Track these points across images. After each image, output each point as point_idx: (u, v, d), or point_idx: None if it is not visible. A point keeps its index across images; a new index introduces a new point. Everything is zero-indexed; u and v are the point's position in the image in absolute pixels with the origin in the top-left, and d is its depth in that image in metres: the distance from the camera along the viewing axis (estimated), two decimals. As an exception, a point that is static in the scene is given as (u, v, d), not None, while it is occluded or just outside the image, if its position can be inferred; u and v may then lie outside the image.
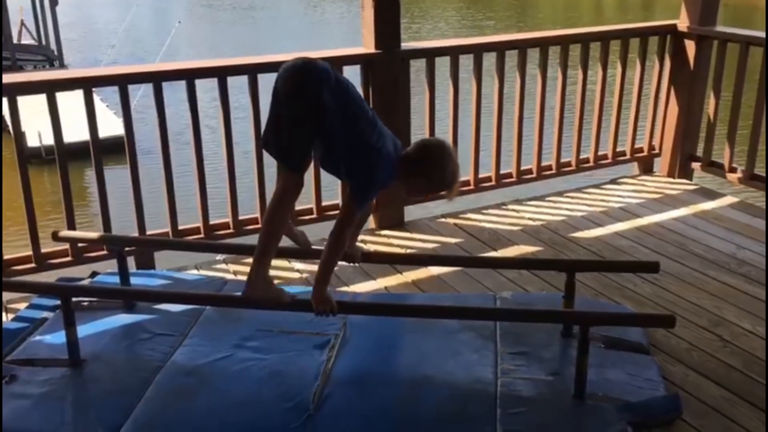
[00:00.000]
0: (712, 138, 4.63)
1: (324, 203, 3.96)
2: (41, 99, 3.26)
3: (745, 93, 4.34)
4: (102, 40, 20.20)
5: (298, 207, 3.87)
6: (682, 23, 4.57)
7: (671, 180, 4.79)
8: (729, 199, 4.47)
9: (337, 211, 3.93)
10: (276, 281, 3.48)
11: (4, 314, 3.19)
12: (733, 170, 4.55)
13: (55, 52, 18.20)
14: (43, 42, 18.61)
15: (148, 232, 3.62)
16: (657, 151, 4.90)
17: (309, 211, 3.96)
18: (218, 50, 18.87)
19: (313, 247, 3.58)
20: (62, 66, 17.72)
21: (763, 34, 4.21)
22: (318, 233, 3.74)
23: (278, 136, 2.42)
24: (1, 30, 16.47)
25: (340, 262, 3.24)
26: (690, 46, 4.55)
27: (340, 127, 2.40)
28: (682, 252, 3.78)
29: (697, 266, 3.62)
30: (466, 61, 4.10)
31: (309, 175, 3.76)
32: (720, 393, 2.66)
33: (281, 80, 2.39)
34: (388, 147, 2.49)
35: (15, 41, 18.47)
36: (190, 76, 3.52)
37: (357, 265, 3.26)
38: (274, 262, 3.63)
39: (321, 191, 3.90)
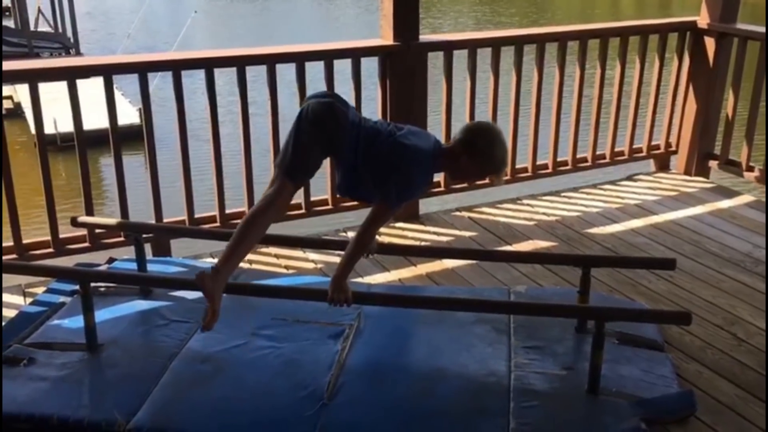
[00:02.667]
0: (729, 136, 4.60)
1: (313, 198, 3.94)
2: (55, 86, 3.28)
3: (764, 91, 4.31)
4: (118, 29, 20.25)
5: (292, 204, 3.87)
6: (702, 20, 4.54)
7: (688, 178, 4.77)
8: (746, 198, 4.45)
9: (326, 207, 3.96)
10: (290, 271, 3.52)
11: (23, 298, 3.23)
12: (750, 169, 4.53)
13: (71, 40, 18.29)
14: (60, 30, 18.70)
15: (165, 220, 3.65)
16: (674, 148, 4.87)
17: (298, 206, 3.94)
18: (234, 40, 18.91)
19: (324, 237, 3.60)
20: (78, 54, 17.83)
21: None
22: (308, 228, 3.73)
23: (287, 147, 2.45)
24: (0, 21, 16.58)
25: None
26: (710, 44, 4.52)
27: (364, 134, 2.46)
28: (697, 250, 3.77)
29: (712, 264, 3.61)
30: (484, 55, 4.09)
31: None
32: (734, 391, 2.66)
33: (308, 108, 2.44)
34: (421, 145, 2.48)
35: (32, 28, 18.59)
36: (209, 64, 3.53)
37: (372, 256, 3.28)
38: (289, 252, 3.68)
39: (309, 187, 3.88)
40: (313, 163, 2.50)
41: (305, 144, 2.43)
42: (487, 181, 2.61)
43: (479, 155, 2.46)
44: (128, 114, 11.97)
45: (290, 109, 3.61)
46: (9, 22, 19.30)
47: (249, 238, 2.45)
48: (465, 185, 3.96)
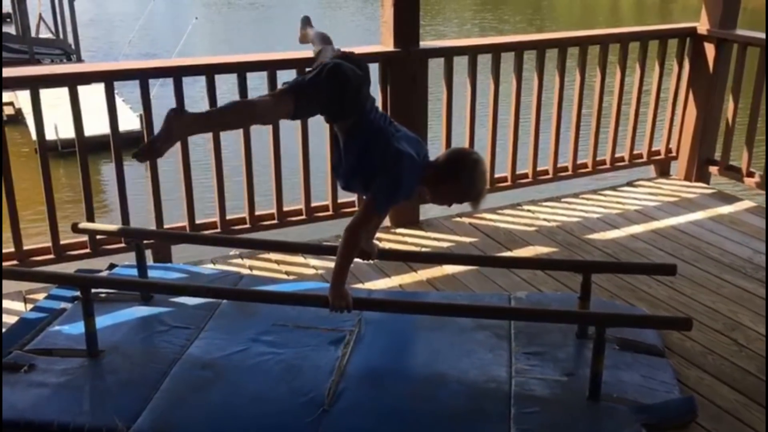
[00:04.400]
0: (730, 142, 4.61)
1: (314, 204, 3.95)
2: (56, 92, 3.28)
3: (764, 97, 4.31)
4: (121, 36, 20.27)
5: (288, 208, 3.89)
6: (702, 26, 4.55)
7: (688, 183, 4.77)
8: (746, 204, 4.45)
9: (326, 213, 3.97)
10: (291, 277, 3.52)
11: (23, 304, 3.23)
12: (750, 174, 4.53)
13: (72, 46, 18.31)
14: (61, 36, 18.73)
15: (166, 226, 3.65)
16: (674, 154, 4.88)
17: (299, 212, 3.95)
18: (236, 47, 18.94)
19: (325, 243, 3.60)
20: (79, 60, 17.84)
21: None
22: (308, 234, 3.75)
23: (305, 77, 2.45)
24: (1, 27, 16.63)
25: (355, 259, 3.26)
26: (709, 49, 4.53)
27: (367, 127, 2.45)
28: (697, 255, 3.77)
29: (713, 270, 3.61)
30: (485, 61, 4.10)
31: (300, 177, 3.79)
32: (735, 397, 2.66)
33: (344, 68, 2.44)
34: (411, 151, 2.49)
35: (33, 35, 18.61)
36: (209, 71, 3.54)
37: (372, 262, 3.28)
38: (290, 258, 3.68)
39: (310, 193, 3.90)
40: (315, 104, 2.46)
41: (320, 88, 2.40)
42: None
43: (462, 183, 2.49)
44: (130, 120, 11.99)
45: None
46: (10, 29, 19.34)
47: (226, 114, 2.42)
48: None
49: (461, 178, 2.49)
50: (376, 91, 3.86)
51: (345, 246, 2.51)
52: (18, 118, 12.89)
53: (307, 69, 2.55)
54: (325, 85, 2.40)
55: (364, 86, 2.51)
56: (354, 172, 2.54)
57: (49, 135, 10.21)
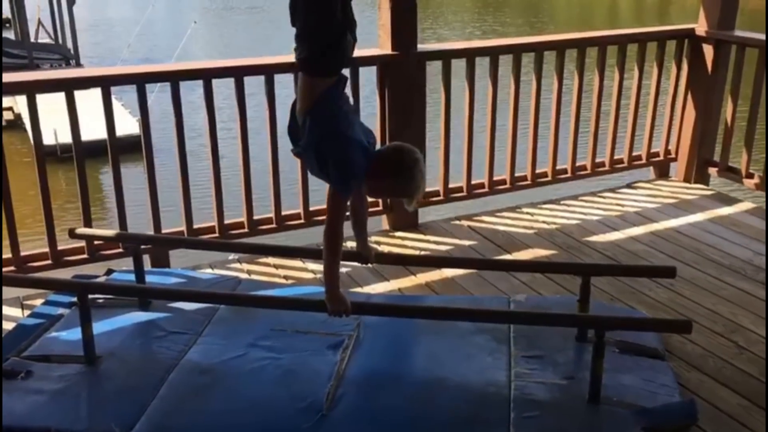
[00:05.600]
0: (729, 143, 4.60)
1: (312, 208, 3.92)
2: (57, 97, 3.28)
3: (762, 98, 4.31)
4: (122, 41, 20.29)
5: (286, 212, 3.87)
6: (700, 27, 4.55)
7: (687, 185, 4.76)
8: (746, 205, 4.44)
9: (324, 216, 3.93)
10: (290, 281, 3.51)
11: (21, 310, 3.22)
12: (750, 176, 4.52)
13: (72, 51, 18.32)
14: (60, 41, 18.74)
15: (164, 231, 3.64)
16: (673, 155, 4.87)
17: (297, 216, 3.93)
18: (234, 51, 18.95)
19: (319, 246, 3.58)
20: (78, 65, 17.85)
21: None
22: (307, 239, 3.74)
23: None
24: (0, 32, 16.63)
25: (353, 263, 3.25)
26: (708, 51, 4.52)
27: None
28: (698, 257, 3.75)
29: (713, 272, 3.60)
30: (483, 64, 4.09)
31: (298, 181, 3.77)
32: (736, 400, 2.64)
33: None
34: (359, 136, 2.51)
35: (32, 40, 18.62)
36: (207, 75, 3.53)
37: (370, 266, 3.27)
38: (288, 262, 3.67)
39: (309, 197, 3.87)
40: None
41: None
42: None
43: (400, 179, 2.52)
44: (129, 125, 11.98)
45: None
46: (9, 34, 19.37)
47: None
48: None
49: (401, 174, 2.51)
50: (374, 94, 3.88)
51: (328, 245, 2.52)
52: (18, 123, 12.89)
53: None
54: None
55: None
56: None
57: (49, 140, 10.27)
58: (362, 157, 2.49)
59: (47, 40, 19.31)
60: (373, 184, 2.59)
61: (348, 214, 2.73)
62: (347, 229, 2.80)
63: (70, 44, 18.25)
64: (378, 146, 2.76)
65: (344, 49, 2.50)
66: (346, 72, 2.60)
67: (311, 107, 2.49)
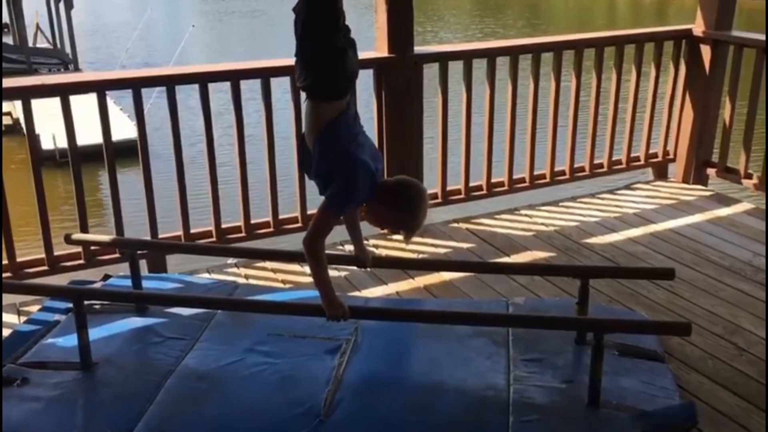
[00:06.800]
0: (727, 144, 4.59)
1: (309, 212, 3.88)
2: (55, 102, 3.28)
3: (761, 98, 4.30)
4: (117, 45, 20.29)
5: (283, 216, 3.85)
6: (698, 28, 4.54)
7: (686, 186, 4.75)
8: (745, 206, 4.43)
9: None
10: (287, 285, 3.50)
11: (17, 317, 3.20)
12: (748, 176, 4.51)
13: (70, 56, 18.32)
14: (58, 45, 18.74)
15: (161, 236, 3.63)
16: (672, 156, 4.85)
17: (294, 219, 3.91)
18: (232, 54, 18.94)
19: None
20: (77, 69, 17.85)
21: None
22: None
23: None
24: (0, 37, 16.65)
25: (351, 267, 3.24)
26: (705, 51, 4.51)
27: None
28: (697, 259, 3.74)
29: (712, 273, 3.58)
30: (480, 66, 4.08)
31: (295, 185, 3.75)
32: (736, 402, 2.63)
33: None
34: (368, 159, 2.47)
35: (30, 45, 18.62)
36: (203, 79, 3.52)
37: (369, 269, 3.25)
38: (286, 266, 3.65)
39: (306, 201, 3.85)
40: None
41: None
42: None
43: (402, 212, 2.50)
44: (127, 129, 11.97)
45: (287, 122, 3.61)
46: (8, 39, 19.35)
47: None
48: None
49: (405, 209, 2.50)
50: (370, 97, 3.87)
51: (310, 255, 2.45)
52: (16, 128, 12.87)
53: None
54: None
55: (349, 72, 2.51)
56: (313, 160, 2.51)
57: (47, 145, 10.26)
58: (368, 184, 2.46)
59: (46, 45, 19.31)
60: (374, 212, 2.55)
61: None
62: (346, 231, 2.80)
63: (68, 49, 18.25)
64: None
65: (346, 69, 2.47)
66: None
67: (321, 133, 2.44)
